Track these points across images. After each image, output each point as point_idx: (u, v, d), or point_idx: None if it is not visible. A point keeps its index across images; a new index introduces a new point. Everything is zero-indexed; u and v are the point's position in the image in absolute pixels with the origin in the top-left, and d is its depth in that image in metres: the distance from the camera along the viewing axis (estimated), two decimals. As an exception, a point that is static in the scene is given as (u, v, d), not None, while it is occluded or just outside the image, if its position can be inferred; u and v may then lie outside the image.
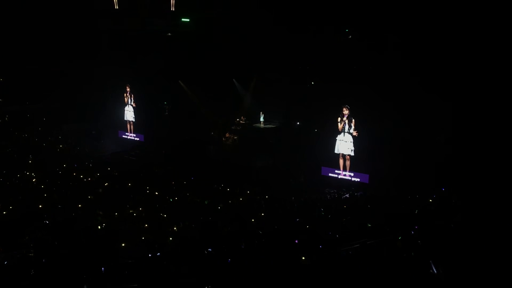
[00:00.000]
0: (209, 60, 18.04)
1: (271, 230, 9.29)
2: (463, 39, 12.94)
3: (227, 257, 7.12)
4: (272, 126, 19.18)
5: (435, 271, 5.91)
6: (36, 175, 14.09)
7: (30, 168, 14.88)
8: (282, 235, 8.69)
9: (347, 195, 14.02)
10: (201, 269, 6.91)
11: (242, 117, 19.77)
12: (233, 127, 19.65)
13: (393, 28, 13.88)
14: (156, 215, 10.82)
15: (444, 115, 13.83)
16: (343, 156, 16.02)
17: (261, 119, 19.30)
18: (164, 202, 12.04)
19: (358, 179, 15.72)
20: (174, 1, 18.10)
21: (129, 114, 21.63)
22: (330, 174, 16.33)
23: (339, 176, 16.14)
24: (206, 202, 12.17)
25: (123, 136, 21.97)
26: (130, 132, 21.83)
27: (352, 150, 15.76)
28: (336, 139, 16.04)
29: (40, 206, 10.94)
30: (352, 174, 15.90)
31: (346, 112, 15.64)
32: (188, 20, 18.00)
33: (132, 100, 21.38)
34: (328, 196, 14.30)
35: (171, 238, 9.07)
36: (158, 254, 8.03)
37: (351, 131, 15.64)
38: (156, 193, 12.74)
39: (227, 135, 19.58)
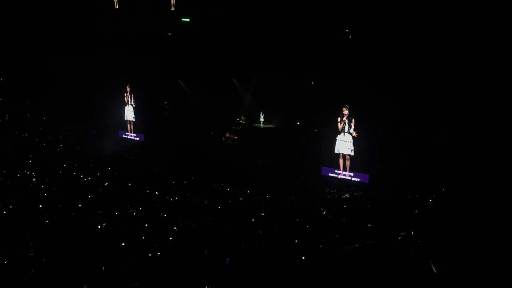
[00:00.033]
0: (209, 60, 18.05)
1: (271, 230, 9.30)
2: (463, 39, 12.94)
3: (227, 257, 7.11)
4: (272, 126, 19.18)
5: (435, 271, 5.91)
6: (36, 174, 14.09)
7: (30, 167, 14.88)
8: (282, 235, 8.69)
9: (347, 195, 14.03)
10: (201, 269, 6.90)
11: (242, 117, 19.78)
12: (233, 127, 19.66)
13: (393, 28, 13.88)
14: (156, 215, 10.82)
15: (444, 115, 13.84)
16: (343, 156, 16.02)
17: (261, 119, 19.31)
18: (164, 201, 12.05)
19: (358, 179, 15.73)
20: (174, 1, 18.10)
21: (129, 114, 21.65)
22: (330, 174, 16.34)
23: (339, 176, 16.14)
24: (206, 202, 12.18)
25: (123, 136, 21.99)
26: (130, 132, 21.85)
27: (352, 150, 15.77)
28: (336, 139, 16.05)
29: (40, 206, 10.94)
30: (352, 174, 15.91)
31: (346, 112, 15.65)
32: (188, 20, 18.00)
33: (132, 100, 21.40)
34: (328, 196, 14.32)
35: (171, 238, 9.07)
36: (158, 253, 8.03)
37: (351, 131, 15.64)
38: (156, 192, 12.75)
39: (227, 135, 19.59)
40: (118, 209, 11.00)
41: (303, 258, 6.86)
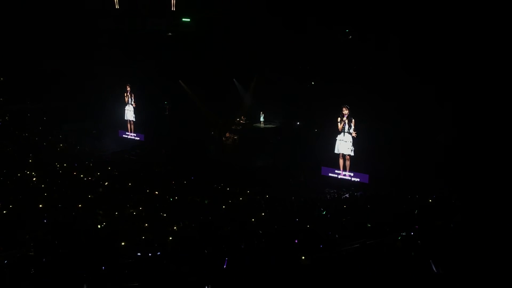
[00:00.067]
0: (209, 60, 18.05)
1: (271, 230, 9.30)
2: (463, 39, 12.94)
3: (227, 256, 7.11)
4: (272, 126, 19.18)
5: (435, 271, 5.91)
6: (36, 174, 14.07)
7: (30, 167, 14.85)
8: (282, 235, 8.69)
9: (347, 195, 14.03)
10: (201, 269, 6.91)
11: (242, 117, 19.79)
12: (233, 127, 19.65)
13: (393, 28, 13.89)
14: (156, 215, 10.82)
15: (444, 115, 13.84)
16: (343, 156, 16.02)
17: (261, 119, 19.31)
18: (164, 201, 12.04)
19: (358, 179, 15.73)
20: (174, 1, 18.12)
21: (129, 113, 21.65)
22: (330, 174, 16.33)
23: (339, 176, 16.14)
24: (206, 202, 12.18)
25: (124, 135, 21.99)
26: (131, 132, 21.84)
27: (352, 150, 15.77)
28: (336, 139, 16.05)
29: (40, 205, 10.93)
30: (352, 174, 15.90)
31: (346, 112, 15.65)
32: (188, 20, 18.02)
33: (132, 100, 21.39)
34: (328, 196, 14.31)
35: (171, 238, 9.08)
36: (158, 253, 8.04)
37: (351, 131, 15.65)
38: (156, 192, 12.75)
39: (227, 135, 19.59)
40: (118, 208, 10.99)
41: (303, 258, 6.86)
